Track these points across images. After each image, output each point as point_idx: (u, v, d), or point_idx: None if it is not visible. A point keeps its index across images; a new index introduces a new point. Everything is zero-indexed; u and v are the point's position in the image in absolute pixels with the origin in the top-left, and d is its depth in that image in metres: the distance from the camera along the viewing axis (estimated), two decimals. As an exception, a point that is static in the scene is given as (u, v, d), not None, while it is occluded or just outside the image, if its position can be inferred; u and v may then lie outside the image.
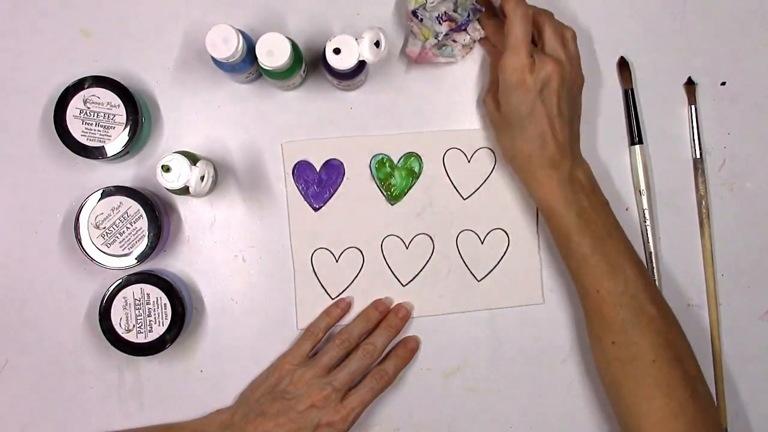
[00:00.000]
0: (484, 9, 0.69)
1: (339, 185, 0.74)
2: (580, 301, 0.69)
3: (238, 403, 0.71)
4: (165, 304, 0.69)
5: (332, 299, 0.73)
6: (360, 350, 0.70)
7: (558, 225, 0.67)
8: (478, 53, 0.74)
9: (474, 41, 0.71)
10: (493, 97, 0.69)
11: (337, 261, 0.74)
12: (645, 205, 0.74)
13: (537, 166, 0.67)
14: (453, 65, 0.73)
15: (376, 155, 0.73)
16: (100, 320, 0.69)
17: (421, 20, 0.68)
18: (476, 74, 0.74)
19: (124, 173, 0.72)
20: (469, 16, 0.68)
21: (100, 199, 0.69)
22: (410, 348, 0.73)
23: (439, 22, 0.68)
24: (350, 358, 0.70)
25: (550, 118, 0.65)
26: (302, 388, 0.68)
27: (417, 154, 0.74)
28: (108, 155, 0.68)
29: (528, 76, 0.64)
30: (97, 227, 0.68)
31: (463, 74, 0.74)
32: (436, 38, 0.68)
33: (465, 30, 0.69)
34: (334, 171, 0.73)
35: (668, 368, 0.64)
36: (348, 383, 0.69)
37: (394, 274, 0.74)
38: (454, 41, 0.70)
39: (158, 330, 0.69)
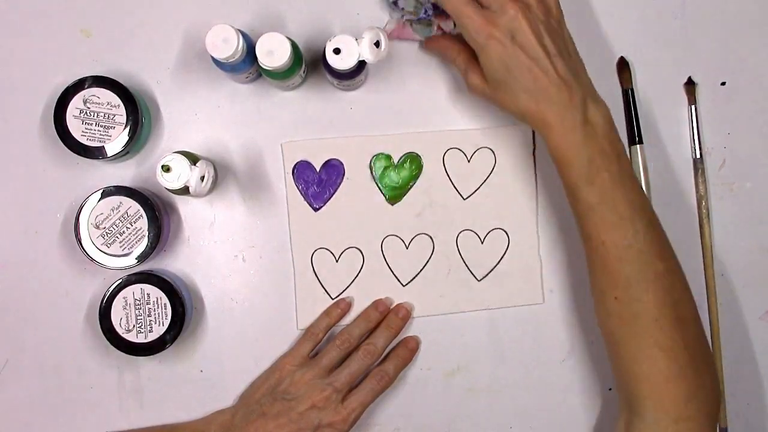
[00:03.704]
0: None
1: (339, 185, 0.74)
2: (585, 253, 0.66)
3: (238, 404, 0.71)
4: (165, 304, 0.69)
5: (332, 299, 0.73)
6: (360, 351, 0.70)
7: (567, 172, 0.63)
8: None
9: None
10: (473, 74, 0.65)
11: (337, 261, 0.74)
12: (645, 205, 0.73)
13: (548, 112, 0.62)
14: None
15: (376, 155, 0.73)
16: (100, 320, 0.69)
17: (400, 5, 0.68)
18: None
19: (124, 173, 0.72)
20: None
21: (100, 199, 0.69)
22: (410, 348, 0.73)
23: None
24: (351, 358, 0.70)
25: (537, 60, 0.61)
26: (303, 389, 0.68)
27: (417, 154, 0.74)
28: (108, 155, 0.68)
29: (492, 30, 0.61)
30: (97, 227, 0.68)
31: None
32: (425, 14, 0.67)
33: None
34: (334, 171, 0.73)
35: (671, 329, 0.62)
36: (349, 384, 0.69)
37: (394, 274, 0.74)
38: (440, 29, 0.70)
39: (158, 330, 0.69)
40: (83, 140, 0.68)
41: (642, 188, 0.66)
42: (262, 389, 0.70)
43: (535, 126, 0.64)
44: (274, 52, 0.63)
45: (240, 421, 0.69)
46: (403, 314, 0.73)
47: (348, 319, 0.73)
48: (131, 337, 0.69)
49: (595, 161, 0.62)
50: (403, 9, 0.68)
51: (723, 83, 0.75)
